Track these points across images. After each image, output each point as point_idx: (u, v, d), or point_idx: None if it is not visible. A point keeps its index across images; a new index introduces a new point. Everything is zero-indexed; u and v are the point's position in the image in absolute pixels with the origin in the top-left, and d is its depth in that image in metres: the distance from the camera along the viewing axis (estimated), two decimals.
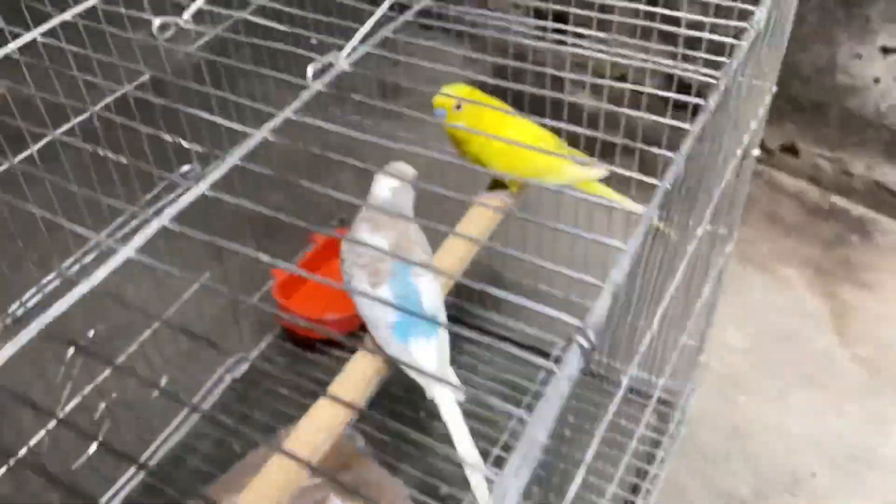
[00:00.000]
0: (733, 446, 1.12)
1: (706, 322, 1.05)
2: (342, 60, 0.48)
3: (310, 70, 0.47)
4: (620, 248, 0.39)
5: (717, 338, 1.23)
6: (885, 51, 1.36)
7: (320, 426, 0.68)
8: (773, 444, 1.12)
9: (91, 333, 0.92)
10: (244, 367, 1.17)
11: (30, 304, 0.83)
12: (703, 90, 0.74)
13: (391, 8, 0.55)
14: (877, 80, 1.39)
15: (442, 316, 0.70)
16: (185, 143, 0.58)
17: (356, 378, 0.71)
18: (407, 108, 0.56)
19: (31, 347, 0.45)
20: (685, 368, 1.06)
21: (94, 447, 0.97)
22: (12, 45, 0.57)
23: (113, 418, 0.99)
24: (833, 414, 1.15)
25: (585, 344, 0.31)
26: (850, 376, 1.20)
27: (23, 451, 0.89)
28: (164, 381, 1.05)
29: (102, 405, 0.98)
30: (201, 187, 0.43)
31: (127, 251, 0.42)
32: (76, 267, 0.90)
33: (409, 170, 0.82)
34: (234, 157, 0.43)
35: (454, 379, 0.68)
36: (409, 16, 0.57)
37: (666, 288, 0.71)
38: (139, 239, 0.42)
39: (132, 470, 1.04)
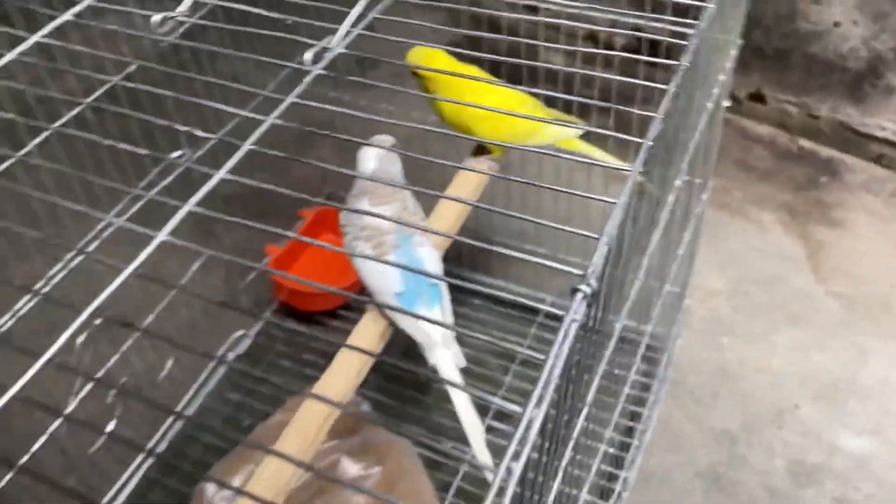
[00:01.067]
0: (721, 386, 1.17)
1: (687, 269, 1.09)
2: (338, 43, 0.51)
3: (308, 55, 0.50)
4: (612, 201, 0.42)
5: (699, 284, 1.28)
6: None
7: (339, 381, 0.72)
8: (758, 381, 1.17)
9: (98, 321, 0.95)
10: (246, 343, 1.21)
11: (45, 291, 0.86)
12: (672, 48, 0.77)
13: None
14: (836, 24, 1.43)
15: (444, 284, 0.73)
16: (180, 128, 0.60)
17: (366, 337, 0.74)
18: (385, 80, 0.58)
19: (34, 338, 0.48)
20: (669, 315, 1.11)
21: (109, 429, 1.00)
22: (17, 51, 0.59)
23: (124, 403, 1.02)
24: (814, 349, 1.21)
25: (589, 290, 0.35)
26: (828, 312, 1.26)
27: (42, 440, 0.92)
28: (170, 363, 1.09)
29: (113, 392, 1.01)
30: (220, 174, 0.46)
31: (161, 236, 0.45)
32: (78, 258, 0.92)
33: (389, 139, 0.85)
34: (247, 144, 0.46)
35: (456, 346, 0.72)
36: None
37: (649, 239, 0.75)
38: (170, 224, 0.45)
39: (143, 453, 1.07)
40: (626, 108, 0.57)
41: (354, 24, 0.54)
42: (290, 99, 0.48)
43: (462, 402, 0.70)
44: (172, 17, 0.53)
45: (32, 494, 0.97)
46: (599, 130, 0.57)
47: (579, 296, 0.35)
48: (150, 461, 1.07)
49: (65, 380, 0.97)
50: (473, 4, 0.88)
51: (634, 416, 1.09)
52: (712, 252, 1.34)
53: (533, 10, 0.97)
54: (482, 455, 0.66)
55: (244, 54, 0.56)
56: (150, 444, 1.09)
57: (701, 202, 1.00)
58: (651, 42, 0.85)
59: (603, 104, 0.65)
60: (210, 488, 0.98)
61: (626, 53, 0.73)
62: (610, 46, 1.50)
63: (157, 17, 0.52)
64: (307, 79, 0.49)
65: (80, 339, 0.87)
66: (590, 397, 0.54)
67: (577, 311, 0.34)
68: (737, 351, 1.22)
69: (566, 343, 0.33)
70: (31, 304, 0.85)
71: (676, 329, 1.16)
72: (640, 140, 0.48)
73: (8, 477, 0.90)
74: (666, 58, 0.62)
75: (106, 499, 1.02)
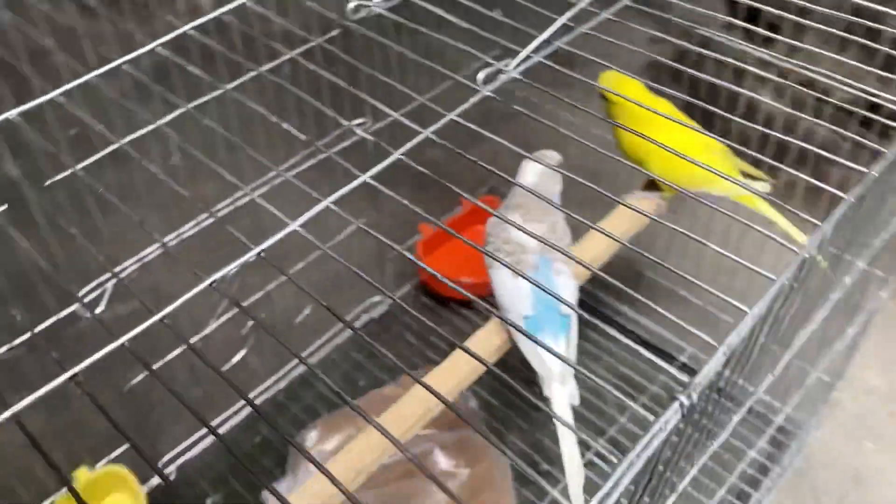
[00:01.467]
0: (851, 492, 1.08)
1: (845, 361, 1.01)
2: (513, 69, 0.50)
3: (481, 75, 0.50)
4: (771, 277, 0.39)
5: (856, 376, 1.18)
6: None
7: (447, 380, 0.73)
8: (894, 498, 1.07)
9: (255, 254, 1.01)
10: (381, 309, 1.24)
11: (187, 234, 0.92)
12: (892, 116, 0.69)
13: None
14: None
15: (575, 316, 0.71)
16: (357, 123, 0.62)
17: (486, 343, 0.74)
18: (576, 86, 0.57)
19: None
20: (813, 403, 1.03)
21: (238, 357, 1.08)
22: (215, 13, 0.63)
23: (257, 336, 1.09)
24: None
25: (686, 402, 0.32)
26: None
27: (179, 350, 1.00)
28: (307, 311, 1.14)
29: (250, 323, 1.07)
30: (364, 177, 0.47)
31: (325, 202, 0.48)
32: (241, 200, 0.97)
33: (556, 156, 0.83)
34: (396, 153, 0.47)
35: (573, 383, 0.70)
36: (583, 29, 0.58)
37: (809, 319, 0.69)
38: (336, 194, 0.48)
39: (264, 386, 1.14)
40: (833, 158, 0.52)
41: (536, 50, 0.53)
42: (451, 116, 0.48)
43: (568, 442, 0.69)
44: (367, 6, 0.55)
45: (160, 395, 1.05)
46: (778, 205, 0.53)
47: (675, 405, 0.33)
48: (265, 396, 1.13)
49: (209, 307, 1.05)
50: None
51: (742, 496, 1.02)
52: (880, 346, 1.23)
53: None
54: (576, 501, 0.64)
55: (415, 57, 0.56)
56: (269, 382, 1.15)
57: (878, 298, 0.91)
58: (870, 102, 0.77)
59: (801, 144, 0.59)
60: (312, 437, 1.03)
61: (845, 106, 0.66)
62: (826, 94, 1.38)
63: (352, 4, 0.54)
64: (474, 98, 0.49)
65: (233, 269, 0.93)
66: (682, 486, 0.51)
67: (668, 420, 0.32)
68: (879, 459, 1.11)
69: (648, 450, 0.31)
70: (201, 224, 0.91)
71: (817, 420, 1.08)
72: (837, 192, 0.44)
73: (140, 377, 0.99)
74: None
75: (217, 420, 1.09)
